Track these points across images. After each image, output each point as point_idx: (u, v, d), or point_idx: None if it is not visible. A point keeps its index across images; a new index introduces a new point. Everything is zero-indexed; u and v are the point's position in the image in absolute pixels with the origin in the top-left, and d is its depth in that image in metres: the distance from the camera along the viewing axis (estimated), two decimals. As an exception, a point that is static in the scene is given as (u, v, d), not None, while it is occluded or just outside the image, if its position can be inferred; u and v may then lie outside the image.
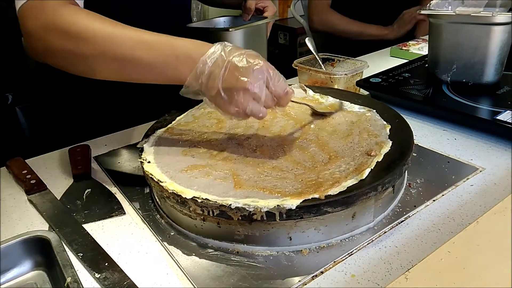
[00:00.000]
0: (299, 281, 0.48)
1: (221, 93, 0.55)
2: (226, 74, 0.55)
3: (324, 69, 1.00)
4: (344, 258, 0.51)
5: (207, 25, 1.08)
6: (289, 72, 1.08)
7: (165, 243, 0.55)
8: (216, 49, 0.56)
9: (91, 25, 0.59)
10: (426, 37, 1.25)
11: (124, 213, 0.62)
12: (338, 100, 0.78)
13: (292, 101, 0.67)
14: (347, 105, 0.76)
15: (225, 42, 0.58)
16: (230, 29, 0.93)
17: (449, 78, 0.91)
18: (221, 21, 1.10)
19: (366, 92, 0.96)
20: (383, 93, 0.93)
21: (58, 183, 0.70)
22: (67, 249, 0.54)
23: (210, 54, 0.56)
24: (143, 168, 0.59)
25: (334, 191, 0.51)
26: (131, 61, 0.58)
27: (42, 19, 0.60)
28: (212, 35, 0.97)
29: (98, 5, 0.74)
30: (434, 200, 0.60)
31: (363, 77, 0.97)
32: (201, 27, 1.04)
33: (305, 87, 0.84)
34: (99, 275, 0.50)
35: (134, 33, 0.59)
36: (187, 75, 0.56)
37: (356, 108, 0.75)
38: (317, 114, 0.73)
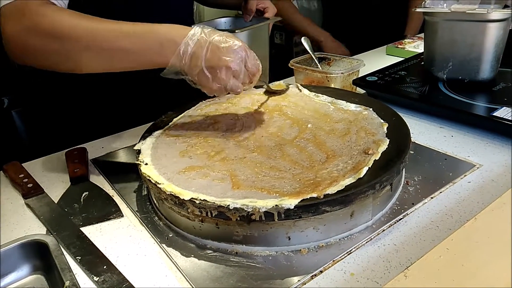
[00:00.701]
0: (298, 280, 0.48)
1: (204, 72, 0.60)
2: (208, 54, 0.60)
3: (320, 68, 1.00)
4: (343, 257, 0.51)
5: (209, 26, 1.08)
6: (285, 72, 1.09)
7: (164, 245, 0.55)
8: (196, 31, 0.61)
9: (74, 22, 0.61)
10: (422, 35, 1.25)
11: (122, 216, 0.62)
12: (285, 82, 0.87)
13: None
14: (343, 104, 0.76)
15: (203, 25, 0.63)
16: (236, 31, 0.94)
17: (445, 76, 0.92)
18: (222, 22, 1.11)
19: (362, 91, 0.96)
20: (380, 91, 0.93)
21: (55, 187, 0.70)
22: (65, 252, 0.54)
23: (191, 36, 0.60)
24: (141, 170, 0.59)
25: (332, 190, 0.51)
26: (117, 52, 0.61)
27: (23, 22, 0.61)
28: None
29: (100, 8, 0.75)
30: (432, 198, 0.60)
31: (359, 76, 0.97)
32: None
33: (300, 86, 0.85)
34: (98, 278, 0.50)
35: (116, 26, 0.62)
36: (169, 57, 0.61)
37: (352, 107, 0.75)
38: (270, 92, 0.83)
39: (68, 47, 0.61)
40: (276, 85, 0.87)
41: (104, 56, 0.62)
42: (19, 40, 0.62)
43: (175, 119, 0.75)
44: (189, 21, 1.03)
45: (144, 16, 0.78)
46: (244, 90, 0.66)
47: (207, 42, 0.60)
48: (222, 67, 0.60)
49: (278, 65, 1.19)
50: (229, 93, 0.64)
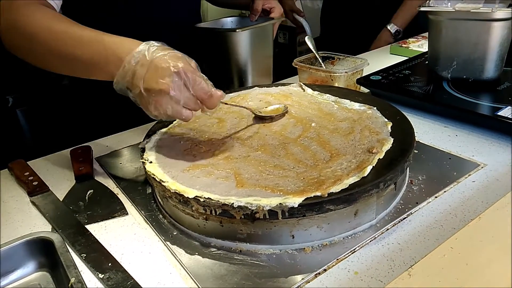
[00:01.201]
0: (302, 279, 0.48)
1: (143, 93, 0.56)
2: (148, 74, 0.55)
3: (324, 67, 1.00)
4: (347, 255, 0.51)
5: (215, 25, 1.09)
6: (289, 71, 1.09)
7: (168, 242, 0.55)
8: (141, 48, 0.57)
9: (44, 24, 0.62)
10: (426, 34, 1.24)
11: (127, 214, 0.62)
12: (283, 105, 0.75)
13: (226, 103, 0.71)
14: (347, 103, 0.76)
15: (152, 41, 0.58)
16: (237, 30, 0.94)
17: (449, 75, 0.91)
18: (229, 22, 1.11)
19: (366, 90, 0.96)
20: (384, 90, 0.93)
21: (60, 185, 0.70)
22: (70, 250, 0.55)
23: (135, 53, 0.56)
24: (145, 168, 0.60)
25: (336, 188, 0.51)
26: (72, 59, 0.61)
27: (7, 18, 0.65)
28: (219, 36, 0.98)
29: (105, 6, 0.75)
30: (436, 197, 0.60)
31: (363, 75, 0.97)
32: (208, 27, 1.05)
33: (303, 85, 0.85)
34: (103, 275, 0.50)
35: (76, 32, 0.61)
36: (115, 73, 0.58)
37: (356, 106, 0.75)
38: (259, 118, 0.72)
39: (36, 47, 0.63)
40: (270, 110, 0.74)
41: (62, 61, 0.62)
42: (5, 35, 0.66)
43: (179, 118, 0.75)
44: (193, 21, 1.03)
45: (144, 15, 0.78)
46: (206, 114, 0.61)
47: (149, 61, 0.55)
48: (158, 91, 0.55)
49: (282, 65, 1.19)
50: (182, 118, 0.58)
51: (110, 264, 0.52)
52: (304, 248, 0.53)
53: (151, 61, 0.55)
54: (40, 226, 0.61)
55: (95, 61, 0.59)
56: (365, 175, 0.54)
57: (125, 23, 0.80)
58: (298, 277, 0.48)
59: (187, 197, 0.52)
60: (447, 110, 0.83)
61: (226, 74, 1.00)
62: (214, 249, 0.54)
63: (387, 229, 0.55)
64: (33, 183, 0.69)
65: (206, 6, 2.21)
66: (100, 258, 0.53)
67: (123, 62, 0.57)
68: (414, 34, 1.45)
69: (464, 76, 0.90)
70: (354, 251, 0.52)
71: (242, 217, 0.50)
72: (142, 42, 0.58)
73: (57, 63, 0.64)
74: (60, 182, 0.71)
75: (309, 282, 0.48)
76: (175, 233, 0.57)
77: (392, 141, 0.62)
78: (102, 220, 0.61)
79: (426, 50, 1.06)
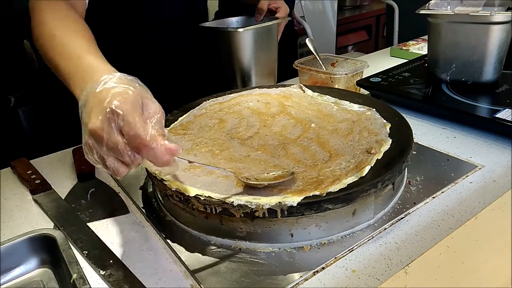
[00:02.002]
0: (300, 276, 0.49)
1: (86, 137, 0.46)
2: (87, 109, 0.46)
3: (324, 69, 1.01)
4: (345, 254, 0.52)
5: (220, 24, 1.08)
6: (290, 73, 1.09)
7: (169, 240, 0.56)
8: (103, 78, 0.48)
9: (47, 27, 0.64)
10: (426, 37, 1.25)
11: (128, 212, 0.63)
12: (290, 171, 0.56)
13: (191, 162, 0.56)
14: (346, 104, 0.77)
15: (117, 74, 0.49)
16: (239, 29, 0.94)
17: (448, 77, 0.92)
18: (234, 21, 1.10)
19: (366, 92, 0.97)
20: (383, 92, 0.93)
21: (63, 183, 0.71)
22: (72, 247, 0.55)
23: (92, 84, 0.48)
24: (147, 167, 0.60)
25: (334, 188, 0.52)
26: (55, 66, 0.59)
27: (32, 17, 0.67)
28: (222, 35, 0.97)
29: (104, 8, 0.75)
30: (433, 197, 0.61)
31: (363, 77, 0.98)
32: (212, 26, 1.04)
33: (303, 86, 0.85)
34: (104, 272, 0.51)
35: (68, 41, 0.60)
36: (80, 97, 0.50)
37: (356, 107, 0.76)
38: (250, 188, 0.53)
39: (39, 47, 0.65)
40: (267, 177, 0.55)
41: (51, 66, 0.61)
42: (32, 34, 0.67)
43: (180, 118, 0.76)
44: (200, 21, 1.03)
45: (143, 14, 0.77)
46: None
47: (94, 97, 0.46)
48: (91, 133, 0.45)
49: (283, 66, 1.20)
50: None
51: (111, 261, 0.52)
52: (303, 247, 0.53)
53: (95, 96, 0.46)
54: (42, 224, 0.62)
55: (70, 76, 0.55)
56: (364, 175, 0.54)
57: (134, 21, 0.79)
58: (297, 275, 0.49)
59: (188, 195, 0.53)
60: (445, 112, 0.84)
61: (229, 74, 1.00)
62: (214, 247, 0.54)
63: (385, 229, 0.56)
64: (36, 181, 0.70)
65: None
66: (102, 255, 0.54)
67: (79, 95, 0.50)
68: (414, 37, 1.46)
69: (463, 79, 0.91)
70: (352, 250, 0.53)
71: (242, 215, 0.51)
72: (115, 72, 0.51)
73: (51, 67, 0.62)
74: (62, 180, 0.72)
75: (307, 280, 0.49)
76: (175, 231, 0.58)
77: (390, 142, 0.62)
78: (103, 218, 0.62)
79: (426, 52, 1.06)
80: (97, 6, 0.81)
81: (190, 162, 0.55)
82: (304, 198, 0.50)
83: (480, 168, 0.67)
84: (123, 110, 0.44)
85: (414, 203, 0.60)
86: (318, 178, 0.54)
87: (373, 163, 0.57)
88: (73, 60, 0.56)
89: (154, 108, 0.47)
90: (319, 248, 0.53)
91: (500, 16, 0.83)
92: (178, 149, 0.46)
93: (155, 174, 0.58)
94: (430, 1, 0.94)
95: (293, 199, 0.50)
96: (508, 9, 0.86)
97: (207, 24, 1.04)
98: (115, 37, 0.87)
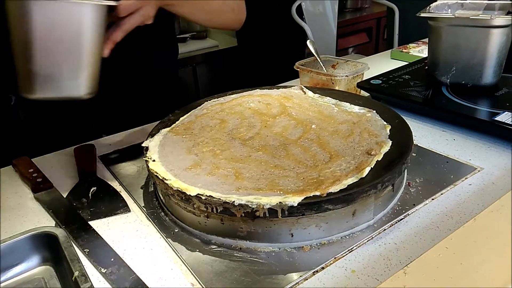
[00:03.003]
0: (300, 276, 0.49)
1: None
2: None
3: (325, 71, 1.01)
4: (345, 254, 0.52)
5: None
6: (291, 74, 1.10)
7: (170, 239, 0.56)
8: None
9: None
10: (426, 40, 1.26)
11: (129, 211, 0.64)
12: None
13: None
14: (347, 106, 0.77)
15: None
16: None
17: (448, 80, 0.93)
18: None
19: (366, 94, 0.98)
20: (384, 94, 0.94)
21: (64, 182, 0.72)
22: (73, 245, 0.56)
23: None
24: (148, 167, 0.61)
25: (335, 188, 0.52)
26: None
27: None
28: None
29: None
30: (433, 199, 0.61)
31: (363, 79, 0.99)
32: None
33: (304, 88, 0.86)
34: (105, 270, 0.51)
35: None
36: None
37: (356, 109, 0.76)
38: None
39: None
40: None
41: None
42: None
43: (182, 118, 0.77)
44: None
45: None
46: None
47: None
48: None
49: (283, 67, 1.20)
50: None
51: (112, 260, 0.53)
52: (303, 247, 0.54)
53: None
54: (44, 222, 0.62)
55: None
56: (364, 176, 0.55)
57: None
58: (296, 275, 0.50)
59: (189, 195, 0.53)
60: (445, 114, 0.85)
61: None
62: (215, 246, 0.55)
63: (384, 229, 0.56)
64: (37, 180, 0.70)
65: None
66: (103, 254, 0.54)
67: None
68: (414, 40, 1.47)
69: (463, 82, 0.91)
70: (352, 250, 0.53)
71: (243, 215, 0.51)
72: None
73: None
74: (64, 179, 0.73)
75: (307, 279, 0.49)
76: (176, 230, 0.58)
77: (390, 143, 0.63)
78: (105, 217, 0.62)
79: (426, 55, 1.07)
80: None
81: None
82: (305, 199, 0.51)
83: (479, 171, 0.68)
84: None
85: (414, 204, 0.60)
86: (319, 178, 0.55)
87: (373, 165, 0.57)
88: None
89: None
90: (319, 248, 0.54)
91: (500, 20, 0.84)
92: None
93: (157, 173, 0.58)
94: (431, 4, 0.95)
95: (294, 199, 0.50)
96: (508, 13, 0.87)
97: None
98: None
